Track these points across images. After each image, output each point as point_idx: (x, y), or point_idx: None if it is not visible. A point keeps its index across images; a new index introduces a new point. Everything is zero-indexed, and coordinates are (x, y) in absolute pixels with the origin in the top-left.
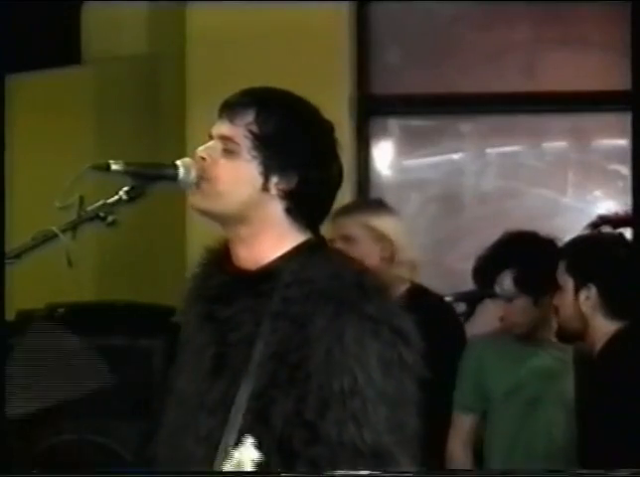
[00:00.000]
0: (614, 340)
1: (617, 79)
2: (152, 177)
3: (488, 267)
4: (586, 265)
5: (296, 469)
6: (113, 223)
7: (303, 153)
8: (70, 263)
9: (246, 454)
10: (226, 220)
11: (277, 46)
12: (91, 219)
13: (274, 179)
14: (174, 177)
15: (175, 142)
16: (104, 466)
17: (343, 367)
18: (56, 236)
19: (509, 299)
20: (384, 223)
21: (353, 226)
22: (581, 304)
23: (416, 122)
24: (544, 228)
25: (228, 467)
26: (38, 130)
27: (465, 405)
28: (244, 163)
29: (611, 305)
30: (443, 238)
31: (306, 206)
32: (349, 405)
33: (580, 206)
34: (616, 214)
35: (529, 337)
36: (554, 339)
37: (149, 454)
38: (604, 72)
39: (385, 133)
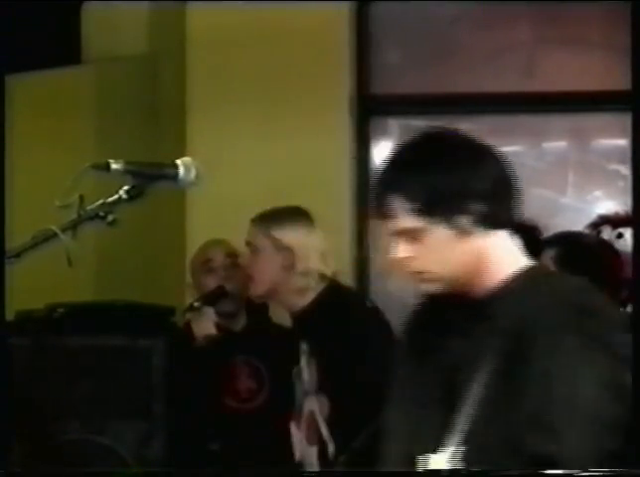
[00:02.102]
0: None
1: (617, 79)
2: (152, 176)
3: None
4: (575, 261)
5: None
6: (113, 222)
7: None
8: (70, 263)
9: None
10: (457, 281)
11: (277, 46)
12: (92, 218)
13: (462, 220)
14: (174, 176)
15: (175, 142)
16: (104, 466)
17: (557, 386)
18: (56, 235)
19: None
20: (287, 233)
21: (257, 234)
22: None
23: (416, 122)
24: (544, 227)
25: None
26: (38, 130)
27: None
28: (434, 234)
29: None
30: None
31: (501, 226)
32: (558, 424)
33: (580, 206)
34: (616, 214)
35: None
36: None
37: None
38: (604, 72)
39: (385, 133)
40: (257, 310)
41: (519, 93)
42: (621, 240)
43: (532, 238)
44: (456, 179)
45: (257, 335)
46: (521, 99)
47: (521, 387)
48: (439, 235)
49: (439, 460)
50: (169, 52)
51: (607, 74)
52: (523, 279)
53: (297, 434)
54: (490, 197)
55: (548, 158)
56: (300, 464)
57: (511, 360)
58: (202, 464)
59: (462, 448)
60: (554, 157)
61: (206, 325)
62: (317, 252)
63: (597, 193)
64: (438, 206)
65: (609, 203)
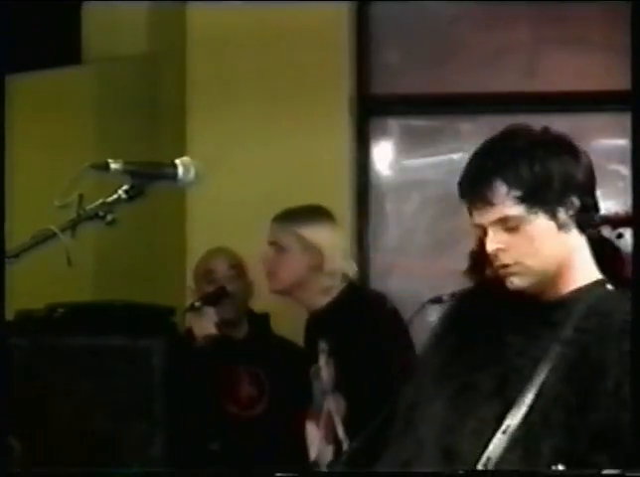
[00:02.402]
0: None
1: (617, 79)
2: (151, 176)
3: None
4: None
5: None
6: (113, 222)
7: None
8: (69, 262)
9: None
10: (544, 279)
11: (277, 46)
12: (91, 218)
13: (562, 213)
14: (173, 176)
15: (175, 142)
16: (105, 466)
17: (629, 412)
18: (55, 235)
19: None
20: (314, 232)
21: (283, 233)
22: None
23: (416, 122)
24: None
25: None
26: (38, 130)
27: None
28: (533, 224)
29: None
30: (443, 239)
31: (587, 226)
32: (625, 447)
33: None
34: (616, 214)
35: None
36: None
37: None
38: (604, 72)
39: (385, 133)
40: (259, 320)
41: (519, 93)
42: (621, 241)
43: None
44: (562, 169)
45: (259, 344)
46: (521, 99)
47: (586, 402)
48: (539, 225)
49: None
50: (169, 52)
51: (607, 74)
52: (595, 292)
53: (315, 433)
54: (587, 193)
55: None
56: (316, 463)
57: (578, 372)
58: (202, 464)
59: (510, 450)
60: None
61: (206, 325)
62: (341, 252)
63: (597, 193)
64: (543, 194)
65: (609, 203)
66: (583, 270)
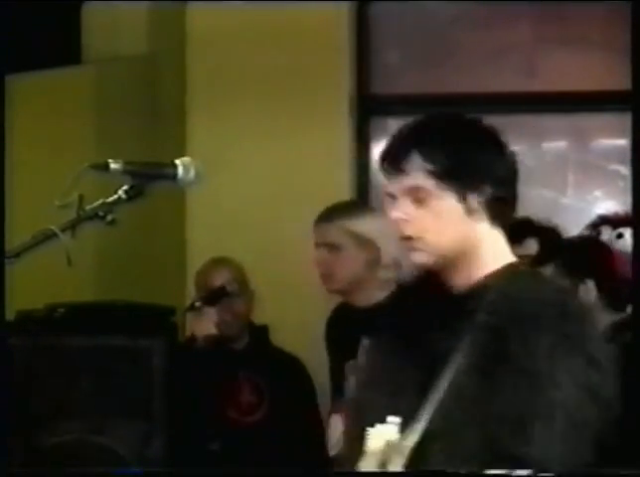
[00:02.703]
0: (614, 330)
1: (617, 78)
2: (151, 176)
3: None
4: (585, 263)
5: None
6: (113, 222)
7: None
8: (69, 262)
9: (386, 433)
10: (445, 261)
11: (277, 46)
12: (91, 218)
13: (472, 198)
14: (173, 176)
15: (175, 142)
16: (104, 466)
17: (533, 384)
18: (55, 235)
19: None
20: (365, 226)
21: (335, 232)
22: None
23: None
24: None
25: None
26: (38, 130)
27: None
28: (441, 201)
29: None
30: None
31: (500, 218)
32: (530, 425)
33: (580, 206)
34: (616, 214)
35: None
36: None
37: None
38: (604, 72)
39: (385, 133)
40: (259, 331)
41: (519, 93)
42: (621, 241)
43: (550, 240)
44: (482, 157)
45: (258, 354)
46: (521, 99)
47: (494, 384)
48: (447, 203)
49: (386, 432)
50: (169, 52)
51: (607, 74)
52: (505, 275)
53: (341, 427)
54: (503, 185)
55: (548, 158)
56: (336, 458)
57: (486, 356)
58: (202, 464)
59: (428, 441)
60: (554, 157)
61: (206, 325)
62: (394, 241)
63: (597, 193)
64: (457, 175)
65: (609, 203)
66: (494, 257)
